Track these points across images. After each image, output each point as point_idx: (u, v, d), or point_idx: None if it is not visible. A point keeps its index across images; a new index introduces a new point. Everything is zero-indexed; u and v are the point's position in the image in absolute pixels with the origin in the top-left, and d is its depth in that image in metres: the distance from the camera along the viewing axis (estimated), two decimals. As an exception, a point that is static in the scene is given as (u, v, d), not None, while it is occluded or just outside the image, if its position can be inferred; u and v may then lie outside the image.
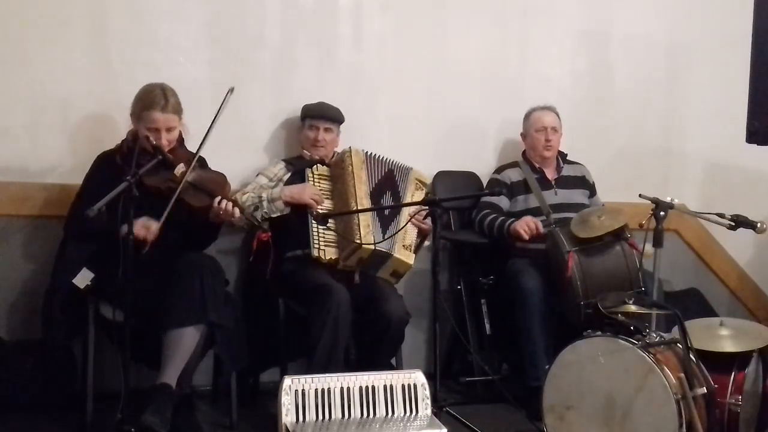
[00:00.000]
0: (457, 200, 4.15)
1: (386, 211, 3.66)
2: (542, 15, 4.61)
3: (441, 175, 4.33)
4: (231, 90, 3.28)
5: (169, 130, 3.30)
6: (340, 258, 3.55)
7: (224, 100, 3.25)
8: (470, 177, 4.41)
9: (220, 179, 3.36)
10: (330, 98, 4.01)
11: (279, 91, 4.07)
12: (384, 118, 4.30)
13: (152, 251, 3.14)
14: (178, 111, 3.35)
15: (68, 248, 3.42)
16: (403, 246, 3.64)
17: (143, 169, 3.05)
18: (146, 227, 3.14)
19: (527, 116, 4.30)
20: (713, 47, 4.86)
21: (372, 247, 3.49)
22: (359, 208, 3.53)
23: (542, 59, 4.63)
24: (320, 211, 3.59)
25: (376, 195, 3.68)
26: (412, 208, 3.64)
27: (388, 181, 3.74)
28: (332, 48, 4.19)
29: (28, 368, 3.50)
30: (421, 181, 3.83)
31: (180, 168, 3.22)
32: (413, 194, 3.76)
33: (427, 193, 3.81)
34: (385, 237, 3.56)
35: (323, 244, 3.55)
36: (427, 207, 3.50)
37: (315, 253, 3.53)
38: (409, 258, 3.65)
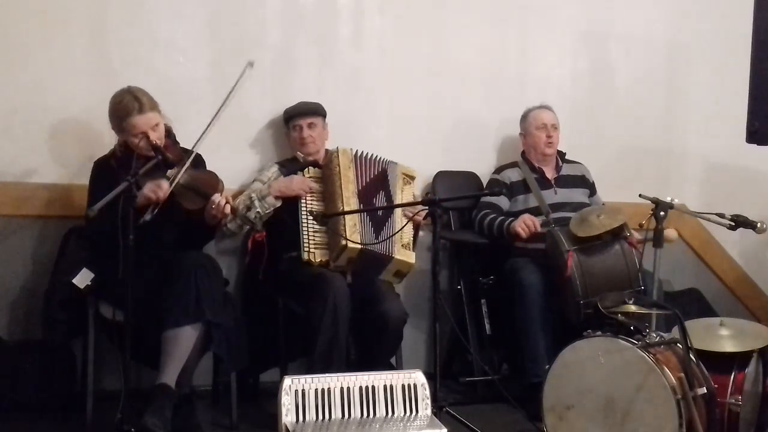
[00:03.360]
0: (457, 200, 4.15)
1: (380, 212, 3.65)
2: (542, 15, 4.61)
3: (441, 175, 4.33)
4: (250, 63, 3.20)
5: (154, 128, 3.27)
6: (330, 259, 3.55)
7: (241, 74, 3.18)
8: (470, 177, 4.41)
9: (213, 180, 3.32)
10: (330, 98, 4.02)
11: (279, 91, 4.07)
12: (384, 118, 4.31)
13: (154, 239, 3.13)
14: (154, 107, 3.30)
15: (68, 248, 3.42)
16: (402, 245, 3.63)
17: (143, 169, 3.05)
18: (157, 185, 3.10)
19: (524, 116, 4.30)
20: (713, 47, 4.86)
21: (358, 246, 3.49)
22: (345, 207, 3.52)
23: (542, 59, 4.63)
24: (310, 206, 3.60)
25: (366, 194, 3.66)
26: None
27: (380, 181, 3.73)
28: (332, 48, 4.20)
29: (28, 368, 3.50)
30: (407, 175, 3.81)
31: (173, 171, 3.20)
32: (402, 189, 3.75)
33: (427, 194, 3.80)
34: (381, 239, 3.55)
35: (312, 247, 3.56)
36: (426, 207, 3.50)
37: (305, 256, 3.53)
38: (410, 257, 3.64)
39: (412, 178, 3.83)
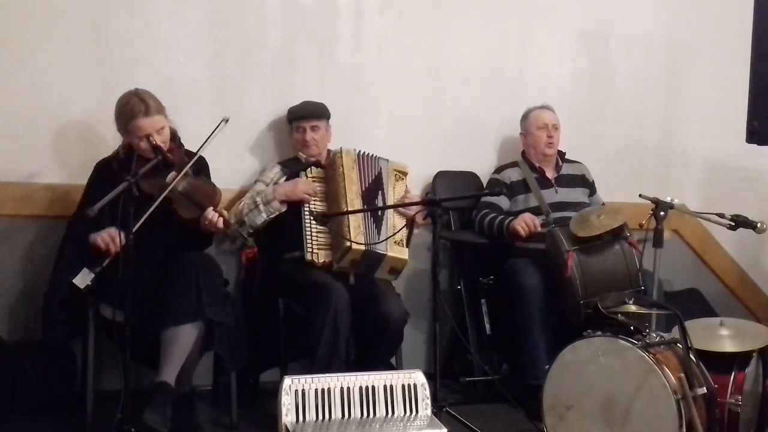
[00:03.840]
0: (457, 200, 4.15)
1: (380, 211, 3.66)
2: (542, 15, 4.61)
3: (441, 175, 4.33)
4: (225, 120, 3.25)
5: (159, 131, 3.27)
6: (334, 260, 3.55)
7: (216, 128, 3.24)
8: (470, 177, 4.41)
9: (210, 191, 3.32)
10: (330, 98, 4.01)
11: (279, 91, 4.07)
12: (384, 118, 4.30)
13: (150, 250, 3.14)
14: (160, 110, 3.30)
15: (68, 248, 3.42)
16: (395, 242, 3.63)
17: (143, 169, 3.05)
18: (111, 237, 3.12)
19: (525, 116, 4.30)
20: (713, 47, 4.86)
21: (362, 247, 3.49)
22: (349, 208, 3.52)
23: (542, 59, 4.63)
24: (313, 207, 3.60)
25: (368, 195, 3.66)
26: (396, 202, 3.66)
27: (379, 180, 3.73)
28: (332, 48, 4.19)
29: (28, 368, 3.50)
30: (399, 171, 3.82)
31: (173, 175, 3.20)
32: (395, 186, 3.76)
33: (427, 194, 3.81)
34: (381, 239, 3.56)
35: (316, 248, 3.56)
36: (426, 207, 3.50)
37: (308, 257, 3.54)
38: (403, 253, 3.64)
39: (405, 173, 3.84)
